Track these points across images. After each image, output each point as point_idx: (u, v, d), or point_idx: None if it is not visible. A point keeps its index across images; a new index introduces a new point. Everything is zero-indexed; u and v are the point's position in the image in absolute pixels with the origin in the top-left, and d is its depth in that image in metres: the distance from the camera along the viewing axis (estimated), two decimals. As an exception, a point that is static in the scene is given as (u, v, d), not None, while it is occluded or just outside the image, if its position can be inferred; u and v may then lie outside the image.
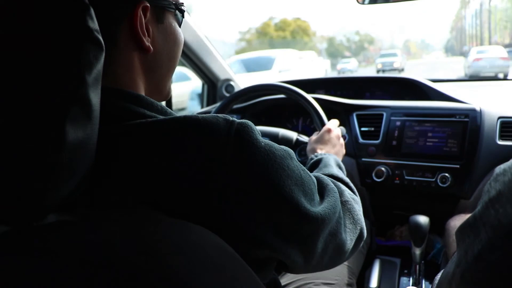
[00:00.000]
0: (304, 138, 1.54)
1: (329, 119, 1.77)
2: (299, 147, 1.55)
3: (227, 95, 2.20)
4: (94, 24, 0.49)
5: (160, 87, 0.76)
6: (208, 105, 2.31)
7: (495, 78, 13.50)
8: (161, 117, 0.61)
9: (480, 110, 1.58)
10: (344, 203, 0.83)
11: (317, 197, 0.71)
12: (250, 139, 0.59)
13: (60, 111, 0.44)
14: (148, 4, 0.67)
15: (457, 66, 24.66)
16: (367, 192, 1.71)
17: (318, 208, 0.68)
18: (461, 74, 20.21)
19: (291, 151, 0.67)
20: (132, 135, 0.58)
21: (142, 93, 0.70)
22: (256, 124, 1.85)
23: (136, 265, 0.42)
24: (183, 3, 0.77)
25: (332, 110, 1.83)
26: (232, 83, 2.26)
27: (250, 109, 1.99)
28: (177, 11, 0.75)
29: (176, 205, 0.55)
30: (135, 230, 0.47)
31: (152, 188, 0.55)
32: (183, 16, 0.78)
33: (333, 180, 0.85)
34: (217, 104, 1.73)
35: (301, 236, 0.65)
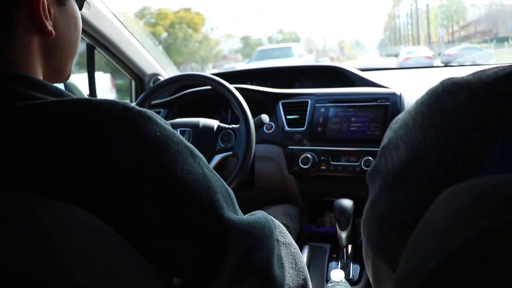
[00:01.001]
0: (225, 125, 1.55)
1: (256, 108, 1.78)
2: (220, 133, 1.55)
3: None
4: None
5: (60, 70, 0.74)
6: (135, 100, 2.25)
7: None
8: (52, 99, 0.59)
9: (400, 94, 1.61)
10: (287, 245, 0.79)
11: (231, 206, 0.66)
12: (145, 128, 0.58)
13: None
14: None
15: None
16: (295, 180, 1.71)
17: (231, 214, 0.64)
18: None
19: (194, 149, 0.65)
20: (18, 117, 0.56)
21: (40, 75, 0.68)
22: (183, 117, 1.84)
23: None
24: None
25: (259, 100, 1.83)
26: (160, 77, 2.22)
27: (176, 102, 1.95)
28: None
29: (62, 189, 0.54)
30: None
31: (37, 171, 0.54)
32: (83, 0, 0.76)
33: (273, 219, 0.80)
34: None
35: (199, 234, 0.61)
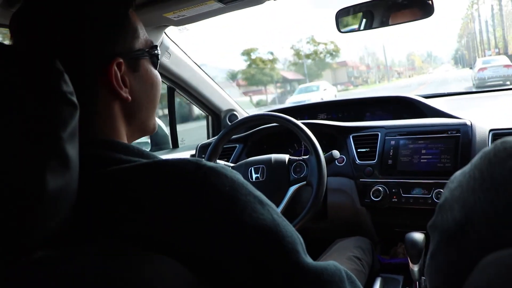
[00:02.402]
0: (296, 158, 1.63)
1: (327, 142, 1.84)
2: (292, 165, 1.63)
3: (231, 125, 2.28)
4: (68, 87, 0.58)
5: (144, 127, 0.83)
6: (213, 135, 2.38)
7: (502, 87, 13.58)
8: (136, 159, 0.69)
9: (471, 124, 1.61)
10: None
11: (301, 249, 0.69)
12: (215, 183, 0.64)
13: (39, 164, 0.52)
14: (121, 60, 0.73)
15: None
16: (367, 212, 1.74)
17: (300, 257, 0.67)
18: (469, 85, 20.77)
19: (262, 199, 0.69)
20: (109, 180, 0.64)
21: (124, 136, 0.77)
22: (258, 151, 1.94)
23: None
24: (156, 46, 0.83)
25: (329, 134, 1.89)
26: (235, 112, 2.34)
27: (251, 137, 2.05)
28: (150, 55, 0.81)
29: (153, 242, 0.61)
30: (104, 263, 0.56)
31: (127, 227, 0.62)
32: (157, 59, 0.84)
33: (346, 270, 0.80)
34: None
35: (270, 276, 0.65)
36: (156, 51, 0.83)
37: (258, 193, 0.70)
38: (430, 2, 1.32)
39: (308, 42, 54.92)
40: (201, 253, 0.62)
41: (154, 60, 0.83)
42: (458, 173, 0.54)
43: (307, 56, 55.63)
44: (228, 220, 0.63)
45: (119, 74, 0.73)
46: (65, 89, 0.57)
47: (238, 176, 0.69)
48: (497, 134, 1.56)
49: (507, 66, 18.27)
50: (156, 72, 0.83)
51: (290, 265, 0.66)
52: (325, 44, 56.26)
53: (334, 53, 57.53)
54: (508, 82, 16.86)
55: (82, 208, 0.61)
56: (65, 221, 0.58)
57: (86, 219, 0.62)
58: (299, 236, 0.72)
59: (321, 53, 56.54)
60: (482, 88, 16.30)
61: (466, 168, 0.52)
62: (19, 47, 0.71)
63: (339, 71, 68.39)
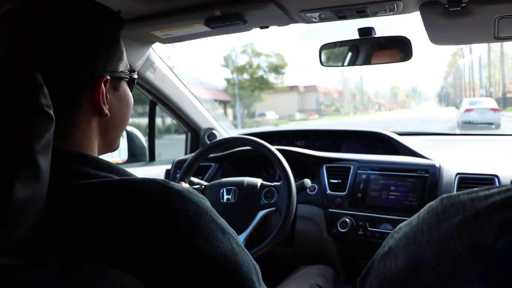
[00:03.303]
0: (268, 183, 1.68)
1: (300, 170, 1.88)
2: (264, 190, 1.67)
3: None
4: (46, 100, 0.60)
5: (111, 144, 0.86)
6: (191, 152, 2.40)
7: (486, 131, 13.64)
8: (105, 175, 0.71)
9: (440, 166, 1.67)
10: None
11: (256, 279, 0.72)
12: (179, 207, 0.67)
13: (10, 173, 0.54)
14: (108, 77, 0.76)
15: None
16: (334, 242, 1.78)
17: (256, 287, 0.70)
18: (454, 125, 20.43)
19: (225, 226, 0.72)
20: (76, 194, 0.66)
21: (96, 150, 0.79)
22: (233, 172, 1.97)
23: None
24: (134, 71, 0.87)
25: (304, 162, 1.93)
26: (214, 131, 2.36)
27: (228, 158, 2.08)
28: (130, 78, 0.84)
29: (113, 258, 0.63)
30: (62, 274, 0.59)
31: (90, 241, 0.63)
32: (134, 83, 0.87)
33: None
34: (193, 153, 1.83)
35: None
36: (134, 75, 0.86)
37: (221, 221, 0.73)
38: (409, 47, 1.38)
39: (243, 51, 37.84)
40: (158, 273, 0.64)
41: (131, 83, 0.86)
42: (403, 224, 0.58)
43: (239, 70, 37.19)
44: (188, 246, 0.66)
45: (104, 91, 0.76)
46: (42, 102, 0.59)
47: (204, 201, 0.71)
48: (463, 178, 1.62)
49: (493, 109, 17.87)
50: (130, 94, 0.87)
51: None
52: (267, 55, 38.48)
53: (280, 69, 39.16)
54: (493, 126, 16.82)
55: (48, 219, 0.63)
56: (31, 231, 0.59)
57: (50, 230, 0.64)
58: (256, 266, 0.75)
59: (259, 67, 37.77)
60: (467, 130, 16.39)
61: (413, 220, 0.56)
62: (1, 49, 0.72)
63: (307, 96, 58.87)
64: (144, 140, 2.23)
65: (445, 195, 0.54)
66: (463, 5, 1.08)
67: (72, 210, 0.65)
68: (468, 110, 18.45)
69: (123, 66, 0.82)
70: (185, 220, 0.67)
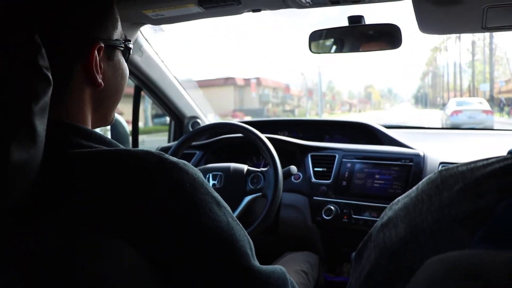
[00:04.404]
0: (255, 169, 1.68)
1: (286, 158, 1.88)
2: (250, 175, 1.68)
3: (193, 131, 2.30)
4: (45, 62, 0.58)
5: (106, 116, 0.84)
6: (174, 140, 2.39)
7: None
8: (97, 146, 0.70)
9: (424, 155, 1.69)
10: None
11: (251, 254, 0.72)
12: (176, 178, 0.66)
13: (7, 134, 0.52)
14: (102, 45, 0.75)
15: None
16: (318, 229, 1.79)
17: (250, 262, 0.70)
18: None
19: (220, 200, 0.72)
20: (72, 163, 0.65)
21: (89, 122, 0.78)
22: (217, 160, 1.96)
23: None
24: (130, 40, 0.86)
25: (289, 151, 1.94)
26: (198, 120, 2.35)
27: (211, 146, 2.07)
28: (124, 47, 0.83)
29: (113, 226, 0.62)
30: (57, 239, 0.60)
31: (83, 210, 0.62)
32: (129, 53, 0.86)
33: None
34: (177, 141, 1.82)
35: (219, 278, 0.67)
36: (130, 45, 0.85)
37: (216, 194, 0.72)
38: (399, 35, 1.40)
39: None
40: (154, 243, 0.63)
41: (126, 52, 0.85)
42: (401, 196, 0.59)
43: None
44: (185, 216, 0.65)
45: (98, 59, 0.74)
46: (41, 63, 0.58)
47: (199, 174, 0.71)
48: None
49: (486, 111, 15.94)
50: (126, 65, 0.85)
51: (240, 267, 0.69)
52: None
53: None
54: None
55: (41, 185, 0.62)
56: (26, 195, 0.58)
57: (43, 197, 0.63)
58: (250, 241, 0.75)
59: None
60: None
61: (412, 192, 0.56)
62: None
63: (248, 91, 45.89)
64: (127, 126, 2.21)
65: (443, 168, 0.55)
66: None
67: (65, 178, 0.64)
68: (456, 112, 16.37)
69: (117, 35, 0.80)
70: (182, 191, 0.66)
